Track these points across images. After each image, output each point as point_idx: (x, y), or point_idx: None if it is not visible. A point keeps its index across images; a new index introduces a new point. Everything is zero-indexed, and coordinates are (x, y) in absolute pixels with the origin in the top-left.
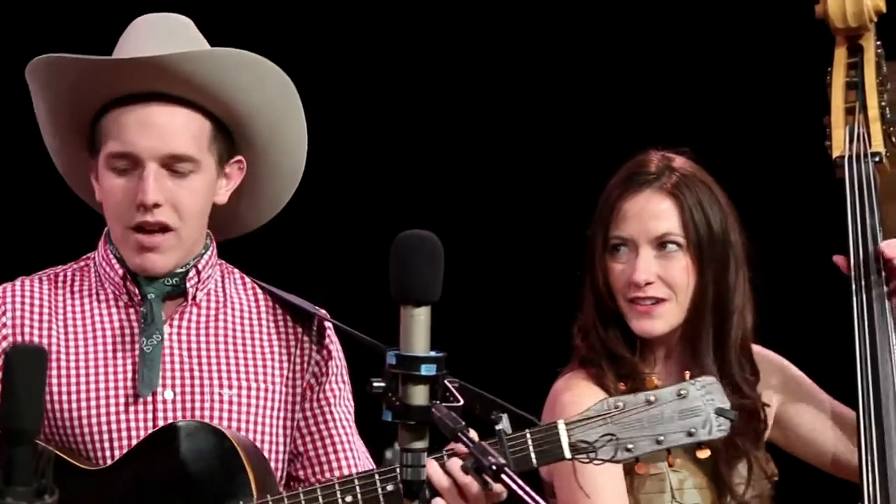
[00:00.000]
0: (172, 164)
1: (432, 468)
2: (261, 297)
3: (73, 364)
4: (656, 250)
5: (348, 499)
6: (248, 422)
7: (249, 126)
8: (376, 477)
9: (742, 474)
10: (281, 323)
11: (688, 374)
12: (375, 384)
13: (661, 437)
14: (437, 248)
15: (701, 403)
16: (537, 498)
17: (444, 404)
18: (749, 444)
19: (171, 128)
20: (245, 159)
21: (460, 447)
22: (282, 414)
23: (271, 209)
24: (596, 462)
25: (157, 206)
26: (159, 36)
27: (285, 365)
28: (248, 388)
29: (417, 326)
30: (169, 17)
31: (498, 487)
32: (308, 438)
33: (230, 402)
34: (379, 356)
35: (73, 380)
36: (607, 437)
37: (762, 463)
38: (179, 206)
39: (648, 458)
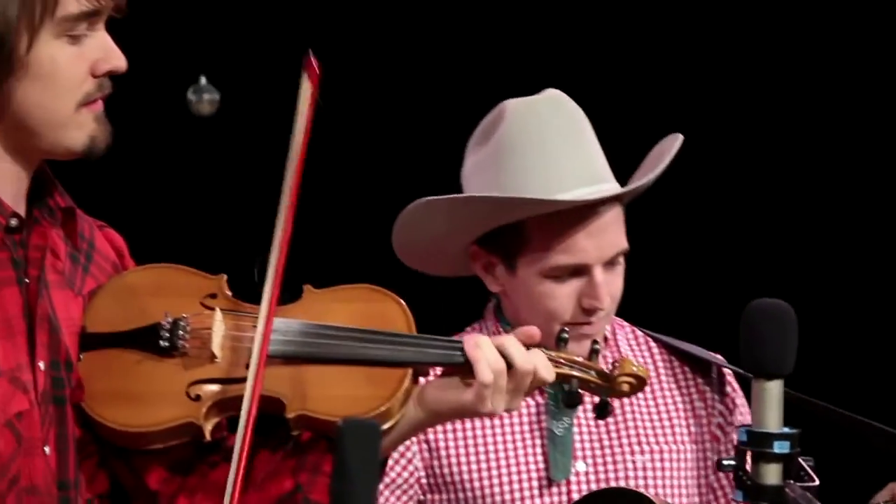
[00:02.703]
0: (614, 259)
1: None
2: (655, 350)
3: (480, 440)
4: None
5: None
6: (663, 486)
7: None
8: None
9: None
10: (680, 376)
11: None
12: (725, 461)
13: None
14: (790, 317)
15: None
16: None
17: (798, 484)
18: None
19: (616, 229)
20: None
21: None
22: (694, 472)
23: None
24: None
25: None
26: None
27: (691, 421)
28: (661, 452)
29: (770, 400)
30: (564, 120)
31: None
32: (720, 493)
33: (643, 469)
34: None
35: (482, 457)
36: None
37: None
38: (614, 294)
39: None
